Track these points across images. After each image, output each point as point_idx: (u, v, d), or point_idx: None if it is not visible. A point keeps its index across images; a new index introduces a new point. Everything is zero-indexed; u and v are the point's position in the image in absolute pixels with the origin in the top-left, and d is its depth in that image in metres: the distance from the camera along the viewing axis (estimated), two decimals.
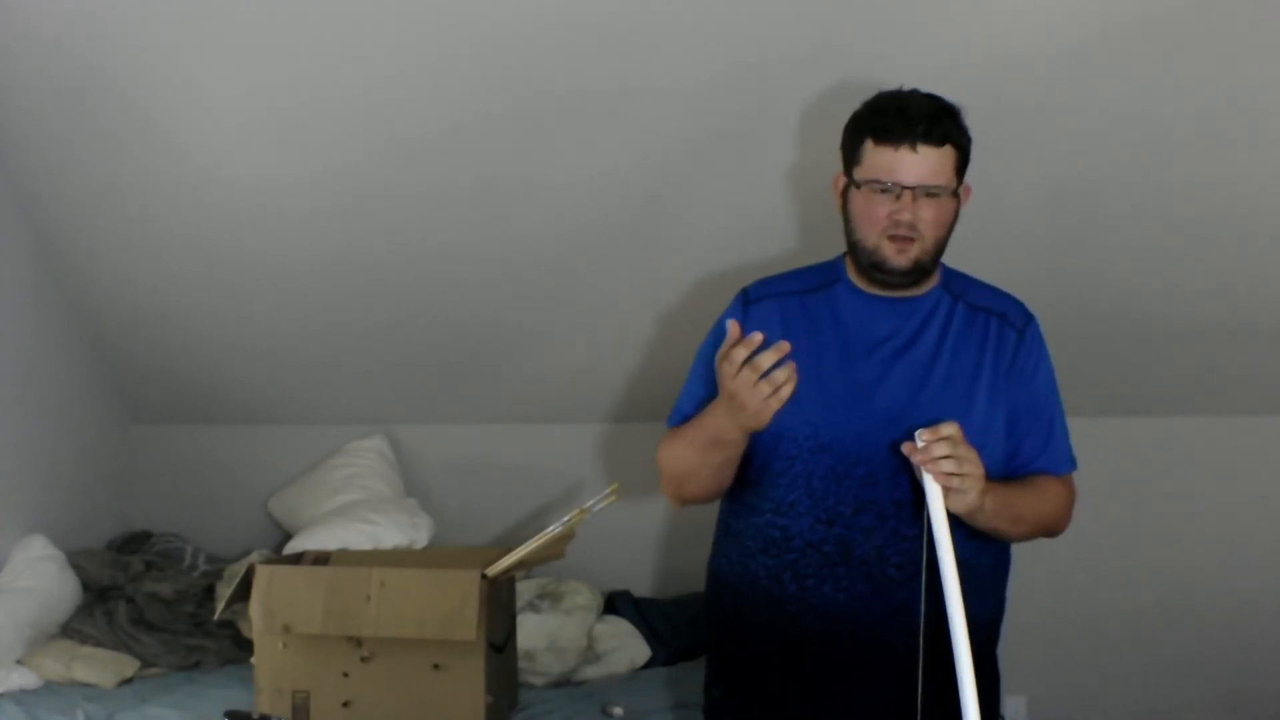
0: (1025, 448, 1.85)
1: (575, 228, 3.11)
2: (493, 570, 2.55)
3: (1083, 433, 3.39)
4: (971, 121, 2.75)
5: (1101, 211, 2.93)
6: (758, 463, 1.85)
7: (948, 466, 1.61)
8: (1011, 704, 3.49)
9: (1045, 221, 2.96)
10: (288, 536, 3.48)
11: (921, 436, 1.62)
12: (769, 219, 3.01)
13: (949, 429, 1.62)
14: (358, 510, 3.35)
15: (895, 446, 1.70)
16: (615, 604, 3.28)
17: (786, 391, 1.63)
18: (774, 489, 1.83)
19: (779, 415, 1.71)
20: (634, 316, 3.32)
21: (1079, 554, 3.43)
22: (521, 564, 2.59)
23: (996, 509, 1.69)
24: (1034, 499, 1.82)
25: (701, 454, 1.82)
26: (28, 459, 3.36)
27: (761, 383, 1.62)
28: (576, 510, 2.59)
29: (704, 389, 1.87)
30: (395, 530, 3.26)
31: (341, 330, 3.49)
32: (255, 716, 2.37)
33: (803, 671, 1.83)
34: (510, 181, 3.01)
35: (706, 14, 2.61)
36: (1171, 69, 2.60)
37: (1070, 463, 1.91)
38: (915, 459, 1.62)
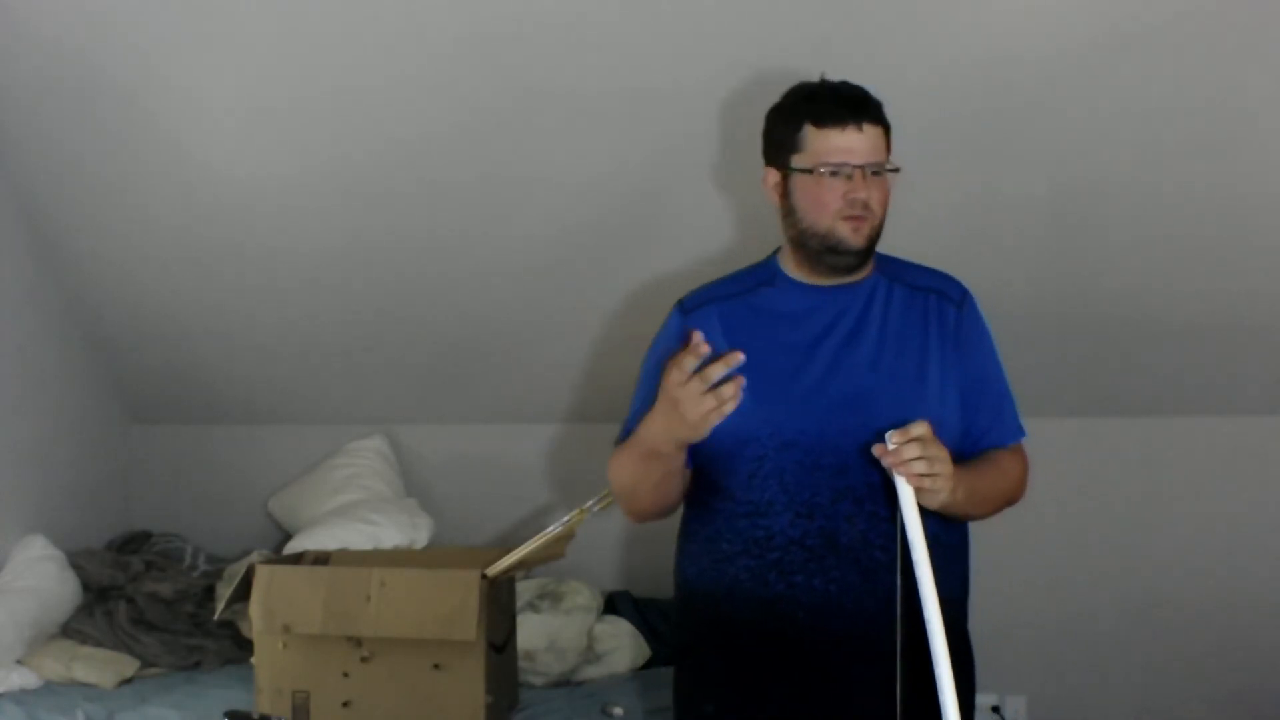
0: (979, 423, 1.86)
1: (576, 227, 3.11)
2: (493, 570, 2.55)
3: (1083, 433, 3.44)
4: (971, 123, 2.77)
5: (1101, 212, 2.92)
6: (721, 467, 1.83)
7: (919, 468, 1.61)
8: (1012, 704, 3.49)
9: (1045, 222, 2.96)
10: (288, 536, 3.48)
11: (892, 438, 1.62)
12: (767, 219, 3.01)
13: (919, 429, 1.62)
14: (358, 510, 3.35)
15: (860, 432, 1.71)
16: (615, 604, 3.28)
17: (729, 407, 1.61)
18: (748, 491, 1.82)
19: (740, 418, 1.71)
20: (635, 316, 3.32)
21: (1079, 554, 3.45)
22: (521, 564, 2.59)
23: (966, 497, 1.71)
24: (996, 478, 1.84)
25: (640, 467, 1.82)
26: (28, 459, 3.36)
27: (708, 394, 1.60)
28: (576, 510, 2.59)
29: (649, 405, 1.87)
30: (395, 530, 3.26)
31: (341, 330, 3.49)
32: (255, 716, 2.37)
33: (795, 669, 1.82)
34: (511, 180, 3.01)
35: (707, 15, 2.61)
36: (1171, 70, 2.60)
37: (1020, 431, 1.92)
38: (886, 461, 1.62)
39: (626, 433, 1.90)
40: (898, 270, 1.91)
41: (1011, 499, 1.89)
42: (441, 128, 2.89)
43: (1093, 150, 2.80)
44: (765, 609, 1.81)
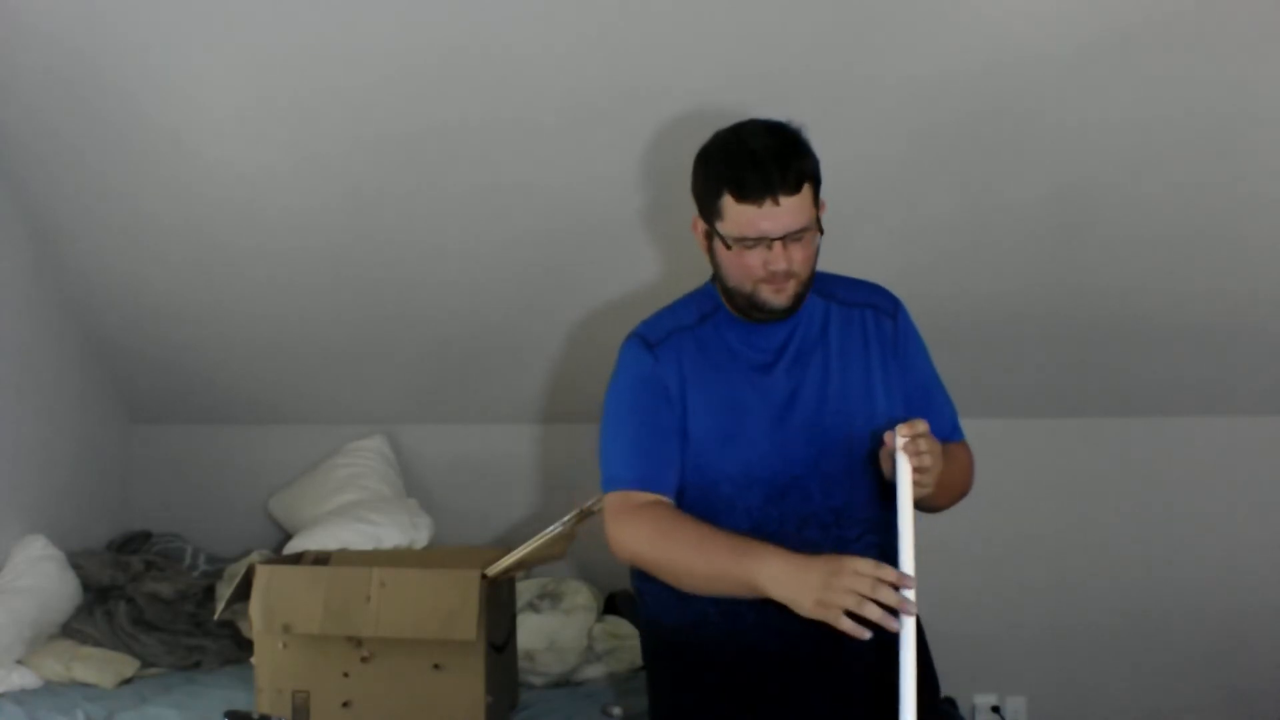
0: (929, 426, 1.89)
1: (575, 228, 3.11)
2: (493, 570, 2.55)
3: (1083, 433, 3.44)
4: (972, 125, 2.77)
5: (1101, 213, 2.93)
6: (694, 510, 1.81)
7: (927, 461, 1.65)
8: (1012, 704, 3.49)
9: (1046, 223, 2.97)
10: (288, 536, 3.48)
11: (900, 431, 1.66)
12: None
13: (923, 425, 1.66)
14: (358, 510, 3.35)
15: (818, 458, 1.78)
16: (615, 604, 3.29)
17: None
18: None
19: (710, 458, 1.77)
20: (636, 315, 3.31)
21: (1079, 554, 3.45)
22: (521, 564, 2.59)
23: (935, 489, 1.74)
24: (956, 471, 1.88)
25: (718, 588, 1.74)
26: (27, 459, 3.36)
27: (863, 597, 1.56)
28: (576, 510, 2.59)
29: (662, 442, 1.82)
30: (395, 530, 3.25)
31: (341, 330, 3.49)
32: (255, 716, 2.36)
33: (768, 694, 1.83)
34: (511, 181, 3.01)
35: (706, 18, 2.61)
36: (1171, 71, 2.60)
37: (961, 432, 1.97)
38: (897, 443, 1.64)
39: (616, 480, 1.85)
40: (831, 288, 1.92)
41: (966, 491, 1.95)
42: (444, 126, 2.89)
43: (1093, 152, 2.80)
44: (737, 640, 1.82)
